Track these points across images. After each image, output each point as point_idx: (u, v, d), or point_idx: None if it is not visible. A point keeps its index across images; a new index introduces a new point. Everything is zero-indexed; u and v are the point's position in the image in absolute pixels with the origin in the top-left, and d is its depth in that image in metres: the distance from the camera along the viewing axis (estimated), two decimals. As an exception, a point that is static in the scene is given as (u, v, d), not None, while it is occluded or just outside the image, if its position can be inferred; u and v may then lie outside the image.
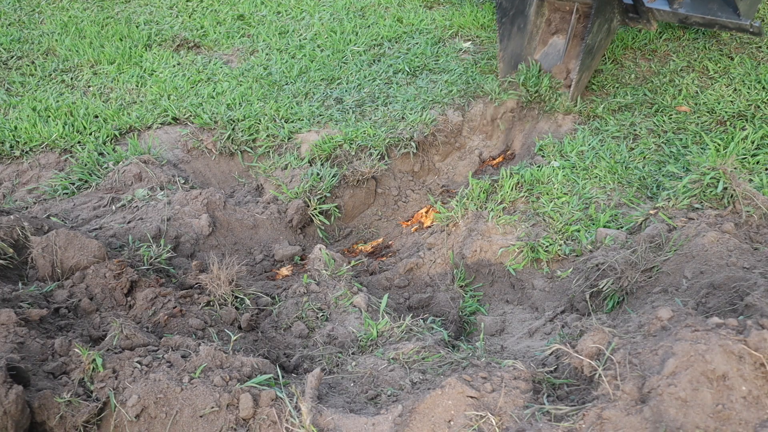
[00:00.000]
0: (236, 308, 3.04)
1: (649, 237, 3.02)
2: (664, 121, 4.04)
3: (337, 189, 4.20)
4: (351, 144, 4.30)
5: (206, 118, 4.62)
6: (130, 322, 2.66)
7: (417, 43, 5.45)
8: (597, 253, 3.16)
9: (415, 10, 5.96)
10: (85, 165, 4.27)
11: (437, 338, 2.85)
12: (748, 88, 4.08)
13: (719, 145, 3.64)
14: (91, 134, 4.59)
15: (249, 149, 4.49)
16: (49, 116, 4.76)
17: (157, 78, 5.22)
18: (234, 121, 4.62)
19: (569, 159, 3.89)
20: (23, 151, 4.47)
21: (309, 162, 4.28)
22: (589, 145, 3.97)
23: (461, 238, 3.60)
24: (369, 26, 5.81)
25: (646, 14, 4.14)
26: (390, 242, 4.12)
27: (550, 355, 2.48)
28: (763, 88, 4.05)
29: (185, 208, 3.71)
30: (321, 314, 3.01)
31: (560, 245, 3.37)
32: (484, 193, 3.76)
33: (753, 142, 3.62)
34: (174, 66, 5.42)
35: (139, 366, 2.33)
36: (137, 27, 6.02)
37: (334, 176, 4.14)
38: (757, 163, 3.48)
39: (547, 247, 3.38)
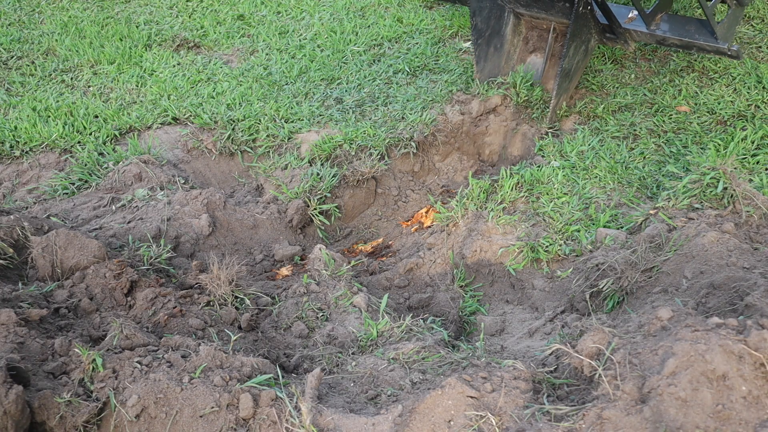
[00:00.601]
0: (236, 308, 3.04)
1: (649, 237, 3.02)
2: (664, 121, 4.04)
3: (337, 189, 4.20)
4: (351, 144, 4.30)
5: (206, 118, 4.62)
6: (130, 322, 2.66)
7: (417, 43, 5.45)
8: (597, 253, 3.16)
9: (415, 10, 5.96)
10: (85, 165, 4.27)
11: (437, 338, 2.85)
12: (748, 88, 4.08)
13: (719, 145, 3.64)
14: (91, 134, 4.59)
15: (249, 149, 4.49)
16: (49, 116, 4.76)
17: (157, 78, 5.23)
18: (234, 121, 4.62)
19: (569, 159, 3.89)
20: (23, 151, 4.47)
21: (309, 162, 4.28)
22: (589, 145, 3.97)
23: (461, 238, 3.60)
24: (369, 26, 5.81)
25: (623, 35, 4.06)
26: (390, 242, 4.12)
27: (550, 355, 2.48)
28: (763, 88, 4.05)
29: (185, 208, 3.71)
30: (321, 314, 3.01)
31: (560, 245, 3.37)
32: (484, 193, 3.76)
33: (753, 142, 3.62)
34: (174, 66, 5.42)
35: (139, 366, 2.34)
36: (137, 27, 6.02)
37: (334, 176, 4.14)
38: (757, 163, 3.48)
39: (547, 247, 3.38)
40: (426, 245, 3.71)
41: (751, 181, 3.31)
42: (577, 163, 3.83)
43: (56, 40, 5.86)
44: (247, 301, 3.09)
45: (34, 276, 3.01)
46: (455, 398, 2.13)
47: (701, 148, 3.69)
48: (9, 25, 6.27)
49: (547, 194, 3.65)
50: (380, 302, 3.11)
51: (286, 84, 5.08)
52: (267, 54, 5.54)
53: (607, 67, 4.63)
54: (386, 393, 2.36)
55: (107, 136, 4.57)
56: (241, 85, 5.08)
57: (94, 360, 2.32)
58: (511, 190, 3.73)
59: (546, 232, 3.46)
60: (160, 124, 4.71)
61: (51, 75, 5.42)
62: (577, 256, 3.30)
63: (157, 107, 4.84)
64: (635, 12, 3.94)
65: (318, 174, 4.13)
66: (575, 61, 4.17)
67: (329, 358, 2.67)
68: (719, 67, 4.31)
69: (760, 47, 4.38)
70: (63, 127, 4.59)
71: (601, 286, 2.97)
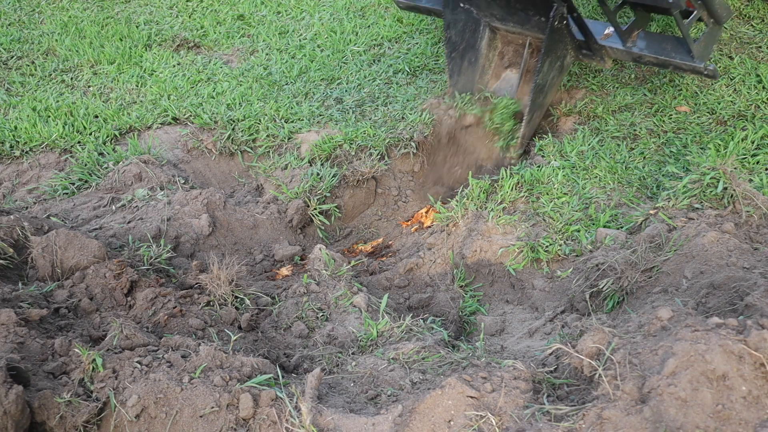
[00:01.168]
0: (236, 308, 3.04)
1: (649, 237, 3.02)
2: (664, 121, 4.04)
3: (337, 189, 4.20)
4: (351, 144, 4.30)
5: (206, 118, 4.62)
6: (130, 322, 2.66)
7: (417, 43, 5.46)
8: (597, 253, 3.16)
9: (415, 10, 5.96)
10: (85, 165, 4.27)
11: (437, 338, 2.85)
12: (748, 88, 4.07)
13: (719, 145, 3.64)
14: (91, 134, 4.59)
15: (249, 149, 4.49)
16: (49, 116, 4.76)
17: (157, 78, 5.23)
18: (234, 121, 4.62)
19: (569, 159, 3.89)
20: (23, 151, 4.47)
21: (309, 162, 4.28)
22: (589, 145, 3.97)
23: (461, 238, 3.60)
24: (369, 26, 5.81)
25: (599, 52, 3.95)
26: (390, 242, 4.12)
27: (550, 355, 2.48)
28: (763, 88, 4.05)
29: (185, 208, 3.71)
30: (321, 314, 3.01)
31: (560, 245, 3.37)
32: (484, 193, 3.76)
33: (753, 142, 3.62)
34: (174, 66, 5.42)
35: (139, 366, 2.34)
36: (137, 27, 6.02)
37: (334, 176, 4.14)
38: (757, 163, 3.48)
39: (547, 247, 3.38)
40: (426, 245, 3.71)
41: (751, 181, 3.31)
42: (577, 163, 3.83)
43: (56, 40, 5.86)
44: (247, 301, 3.09)
45: (34, 276, 3.01)
46: (455, 398, 2.13)
47: (701, 148, 3.69)
48: (9, 25, 6.27)
49: (547, 194, 3.65)
50: (380, 302, 3.11)
51: (286, 84, 5.08)
52: (267, 54, 5.54)
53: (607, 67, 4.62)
54: (386, 393, 2.36)
55: (107, 136, 4.57)
56: (241, 85, 5.08)
57: (94, 360, 2.32)
58: (511, 190, 3.73)
59: (546, 232, 3.46)
60: (160, 124, 4.71)
61: (51, 75, 5.42)
62: (577, 256, 3.30)
63: (157, 107, 4.84)
64: (612, 28, 3.84)
65: (318, 174, 4.13)
66: (550, 76, 4.07)
67: (329, 358, 2.67)
68: (719, 67, 4.31)
69: (760, 47, 4.38)
70: (63, 127, 4.59)
71: (601, 286, 2.97)
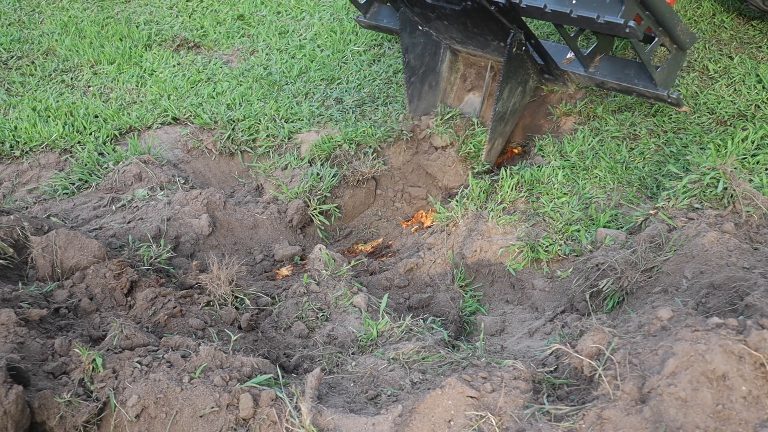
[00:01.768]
0: (236, 308, 3.04)
1: (649, 237, 3.02)
2: (664, 121, 4.04)
3: (337, 189, 4.20)
4: (350, 144, 4.30)
5: (206, 118, 4.62)
6: (130, 322, 2.66)
7: (417, 43, 5.45)
8: (597, 253, 3.16)
9: (415, 10, 5.96)
10: (85, 165, 4.27)
11: (437, 338, 2.85)
12: (748, 88, 4.07)
13: (719, 145, 3.64)
14: (91, 134, 4.59)
15: (249, 149, 4.49)
16: (49, 116, 4.76)
17: (157, 78, 5.23)
18: (234, 121, 4.62)
19: (569, 159, 3.89)
20: (23, 151, 4.47)
21: (309, 162, 4.28)
22: (589, 145, 3.97)
23: (461, 238, 3.60)
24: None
25: (561, 76, 3.83)
26: (390, 242, 4.13)
27: (550, 355, 2.48)
28: (763, 88, 4.05)
29: (185, 208, 3.71)
30: (321, 314, 3.01)
31: (560, 245, 3.37)
32: (484, 193, 3.76)
33: (753, 142, 3.62)
34: (174, 66, 5.42)
35: (139, 366, 2.34)
36: (137, 27, 6.02)
37: (334, 176, 4.14)
38: (757, 163, 3.48)
39: (547, 247, 3.38)
40: (426, 245, 3.71)
41: (751, 181, 3.31)
42: (577, 163, 3.83)
43: (56, 40, 5.86)
44: (247, 301, 3.09)
45: (34, 276, 3.01)
46: (455, 398, 2.13)
47: (701, 148, 3.69)
48: (9, 25, 6.27)
49: (547, 194, 3.65)
50: (380, 302, 3.11)
51: (286, 84, 5.08)
52: (267, 54, 5.54)
53: (607, 67, 4.62)
54: (386, 393, 2.36)
55: (107, 136, 4.57)
56: (241, 85, 5.08)
57: (94, 360, 2.32)
58: (511, 190, 3.73)
59: (546, 232, 3.46)
60: (160, 124, 4.71)
61: (51, 75, 5.42)
62: (577, 256, 3.30)
63: (157, 107, 4.84)
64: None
65: (318, 174, 4.13)
66: (511, 103, 3.94)
67: (329, 358, 2.67)
68: (719, 66, 4.31)
69: (760, 47, 4.38)
70: (63, 127, 4.59)
71: (601, 286, 2.97)
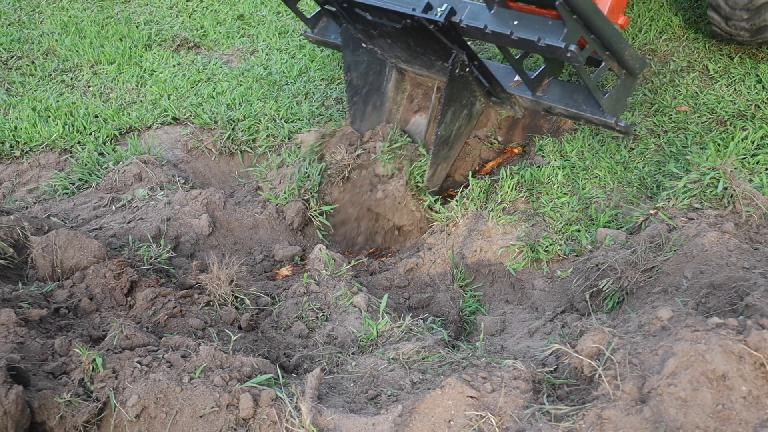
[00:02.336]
0: (236, 308, 3.04)
1: (649, 237, 3.02)
2: (664, 121, 4.04)
3: (327, 186, 4.15)
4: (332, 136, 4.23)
5: (206, 118, 4.62)
6: (130, 322, 2.67)
7: (417, 43, 5.45)
8: (597, 253, 3.16)
9: (415, 10, 5.96)
10: (85, 165, 4.27)
11: (437, 338, 2.85)
12: (748, 88, 4.07)
13: (719, 145, 3.64)
14: (91, 134, 4.59)
15: (249, 149, 4.49)
16: (49, 116, 4.76)
17: (157, 78, 5.23)
18: (234, 121, 4.62)
19: (569, 159, 3.89)
20: (23, 151, 4.47)
21: (301, 160, 4.22)
22: (589, 145, 3.97)
23: (461, 238, 3.60)
24: None
25: (508, 99, 3.63)
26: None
27: (550, 355, 2.49)
28: (763, 88, 4.04)
29: (185, 208, 3.71)
30: (321, 314, 3.01)
31: (560, 245, 3.37)
32: (484, 193, 3.76)
33: (753, 142, 3.62)
34: (174, 66, 5.42)
35: (139, 366, 2.34)
36: (137, 27, 6.02)
37: (320, 173, 4.05)
38: (757, 163, 3.48)
39: (547, 247, 3.38)
40: (426, 245, 3.71)
41: (751, 181, 3.32)
42: (577, 163, 3.83)
43: (56, 40, 5.86)
44: (247, 301, 3.09)
45: (34, 276, 3.01)
46: (455, 398, 2.13)
47: (701, 148, 3.69)
48: (9, 25, 6.27)
49: (547, 194, 3.65)
50: (380, 302, 3.11)
51: (286, 84, 5.08)
52: (267, 54, 5.54)
53: (607, 67, 4.62)
54: (386, 393, 2.36)
55: (107, 136, 4.57)
56: (241, 85, 5.08)
57: (94, 360, 2.32)
58: (511, 190, 3.73)
59: (546, 232, 3.46)
60: (160, 124, 4.71)
61: (51, 75, 5.42)
62: (577, 256, 3.30)
63: (157, 107, 4.84)
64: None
65: (305, 172, 4.05)
66: (455, 127, 3.72)
67: (329, 358, 2.67)
68: (719, 66, 4.31)
69: (760, 47, 4.38)
70: (63, 127, 4.60)
71: (601, 286, 2.97)
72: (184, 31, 5.94)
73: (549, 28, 2.94)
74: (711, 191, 3.15)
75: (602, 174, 3.71)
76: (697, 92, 4.17)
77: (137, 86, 5.17)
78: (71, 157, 4.37)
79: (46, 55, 5.74)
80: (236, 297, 3.07)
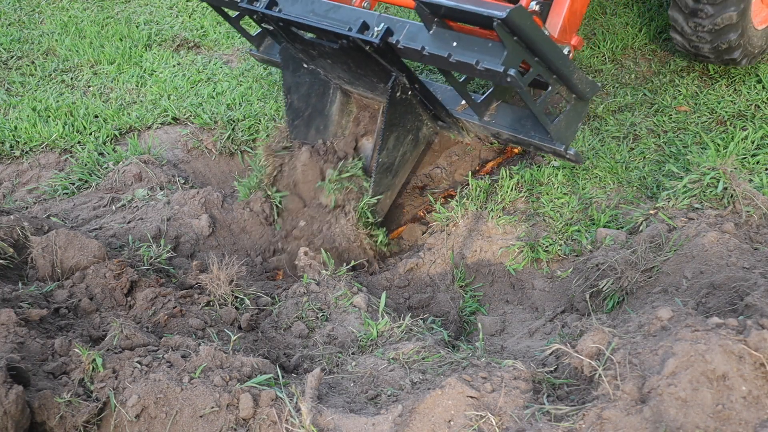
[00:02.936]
0: (236, 308, 3.04)
1: (649, 237, 3.02)
2: (664, 121, 4.04)
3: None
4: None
5: (206, 118, 4.62)
6: (130, 322, 2.67)
7: (417, 43, 5.45)
8: (597, 253, 3.16)
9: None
10: (85, 165, 4.27)
11: (437, 338, 2.85)
12: (748, 88, 4.08)
13: (719, 145, 3.65)
14: (91, 134, 4.59)
15: (249, 149, 4.50)
16: (49, 116, 4.76)
17: (157, 78, 5.23)
18: (234, 121, 4.62)
19: (569, 159, 3.88)
20: (23, 151, 4.47)
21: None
22: (589, 145, 3.97)
23: (461, 238, 3.60)
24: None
25: (455, 124, 3.42)
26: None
27: (550, 355, 2.49)
28: (763, 88, 4.05)
29: (184, 208, 3.71)
30: (321, 314, 3.01)
31: (560, 245, 3.37)
32: (483, 193, 3.76)
33: (753, 142, 3.62)
34: (174, 66, 5.42)
35: (139, 366, 2.34)
36: (137, 27, 6.02)
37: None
38: (757, 163, 3.48)
39: (547, 247, 3.38)
40: (426, 245, 3.70)
41: (751, 181, 3.32)
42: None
43: (56, 40, 5.86)
44: (247, 301, 3.09)
45: (34, 276, 3.01)
46: (455, 398, 2.13)
47: (701, 148, 3.69)
48: (9, 25, 6.27)
49: (547, 194, 3.65)
50: (380, 302, 3.11)
51: (286, 84, 5.07)
52: (267, 54, 5.53)
53: (607, 67, 4.63)
54: (386, 393, 2.36)
55: (107, 136, 4.57)
56: (241, 85, 5.08)
57: (94, 360, 2.32)
58: (511, 190, 3.72)
59: (546, 232, 3.46)
60: (160, 124, 4.71)
61: (51, 75, 5.42)
62: (577, 256, 3.30)
63: (157, 107, 4.84)
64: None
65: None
66: (399, 153, 3.48)
67: (329, 358, 2.67)
68: (719, 66, 4.31)
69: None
70: (63, 127, 4.60)
71: (601, 286, 2.97)
72: (184, 31, 5.94)
73: (489, 50, 2.70)
74: (711, 191, 3.16)
75: (602, 174, 3.71)
76: (697, 92, 4.17)
77: (137, 86, 5.17)
78: (71, 157, 4.37)
79: (46, 55, 5.74)
80: (236, 297, 3.07)
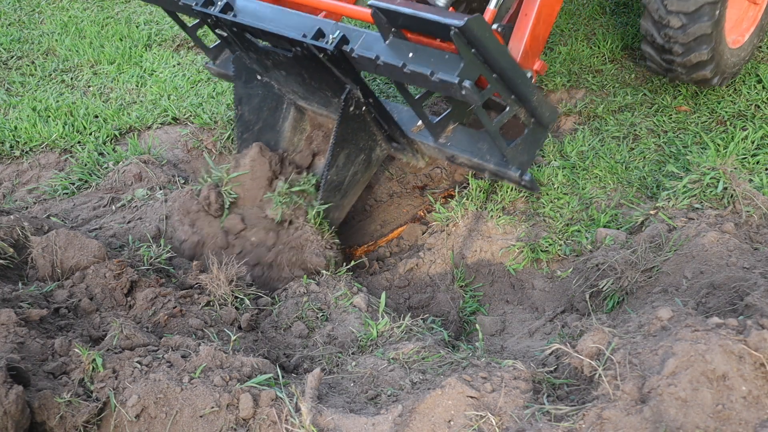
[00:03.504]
0: (236, 308, 3.04)
1: (649, 237, 3.03)
2: (664, 121, 4.04)
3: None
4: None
5: (206, 118, 4.62)
6: (130, 322, 2.67)
7: (417, 43, 5.45)
8: (597, 253, 3.16)
9: (415, 10, 5.96)
10: (85, 165, 4.27)
11: (437, 338, 2.85)
12: (748, 88, 4.08)
13: (719, 145, 3.65)
14: (91, 134, 4.59)
15: (249, 149, 4.49)
16: (49, 116, 4.76)
17: (157, 78, 5.23)
18: (234, 121, 4.62)
19: (569, 159, 3.89)
20: (23, 151, 4.47)
21: None
22: (589, 145, 3.97)
23: (461, 238, 3.60)
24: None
25: (410, 146, 3.25)
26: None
27: (550, 355, 2.49)
28: (764, 88, 4.05)
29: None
30: (321, 314, 3.01)
31: (560, 245, 3.37)
32: (483, 193, 3.76)
33: (753, 142, 3.62)
34: (174, 66, 5.42)
35: (139, 366, 2.34)
36: (137, 27, 6.02)
37: None
38: (757, 163, 3.48)
39: (547, 247, 3.38)
40: (426, 245, 3.71)
41: (751, 181, 3.32)
42: (577, 163, 3.83)
43: (56, 40, 5.86)
44: (247, 301, 3.09)
45: (34, 276, 3.01)
46: (455, 398, 2.13)
47: (701, 148, 3.69)
48: (9, 25, 6.27)
49: (547, 194, 3.65)
50: (380, 302, 3.11)
51: (286, 84, 5.08)
52: (267, 54, 5.54)
53: (607, 67, 4.63)
54: (386, 393, 2.36)
55: (107, 136, 4.57)
56: (241, 85, 5.08)
57: (94, 360, 2.32)
58: (511, 190, 3.73)
59: (546, 232, 3.46)
60: (160, 124, 4.71)
61: (51, 75, 5.42)
62: (577, 256, 3.30)
63: (157, 107, 4.84)
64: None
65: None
66: (349, 173, 3.33)
67: (329, 358, 2.67)
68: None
69: (760, 47, 4.38)
70: (63, 127, 4.60)
71: (601, 286, 2.97)
72: (183, 31, 5.94)
73: (446, 61, 2.55)
74: (711, 191, 3.16)
75: (602, 174, 3.71)
76: (697, 92, 4.17)
77: (137, 86, 5.17)
78: (71, 157, 4.37)
79: (46, 55, 5.74)
80: (236, 297, 3.07)
